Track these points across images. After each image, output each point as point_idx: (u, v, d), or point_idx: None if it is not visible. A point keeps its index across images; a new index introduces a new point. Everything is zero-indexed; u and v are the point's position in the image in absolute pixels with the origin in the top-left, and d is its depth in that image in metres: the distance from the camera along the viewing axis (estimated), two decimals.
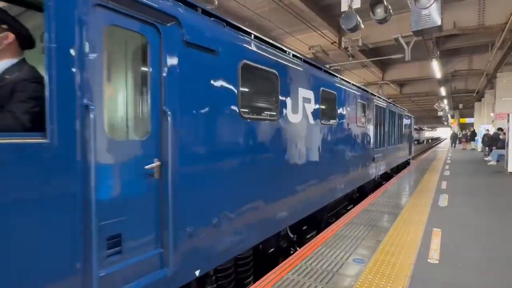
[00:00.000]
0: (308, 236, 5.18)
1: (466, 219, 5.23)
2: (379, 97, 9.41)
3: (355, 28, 6.23)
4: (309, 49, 13.64)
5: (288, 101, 4.06)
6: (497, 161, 14.08)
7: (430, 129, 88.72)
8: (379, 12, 5.72)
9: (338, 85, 5.88)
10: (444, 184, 8.59)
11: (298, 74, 4.34)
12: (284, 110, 3.97)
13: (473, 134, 25.33)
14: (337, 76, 6.05)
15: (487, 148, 17.40)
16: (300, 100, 4.37)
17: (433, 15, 4.67)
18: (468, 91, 23.03)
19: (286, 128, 4.04)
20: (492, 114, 20.09)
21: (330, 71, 5.71)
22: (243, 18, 11.60)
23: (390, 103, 11.17)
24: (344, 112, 6.17)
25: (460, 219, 5.22)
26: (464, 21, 10.47)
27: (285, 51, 4.19)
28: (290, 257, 3.63)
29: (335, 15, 11.70)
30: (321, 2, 10.90)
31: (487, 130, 18.97)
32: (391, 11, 5.82)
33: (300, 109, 4.36)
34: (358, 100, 6.97)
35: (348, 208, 7.23)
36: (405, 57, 9.69)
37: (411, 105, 33.71)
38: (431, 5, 4.59)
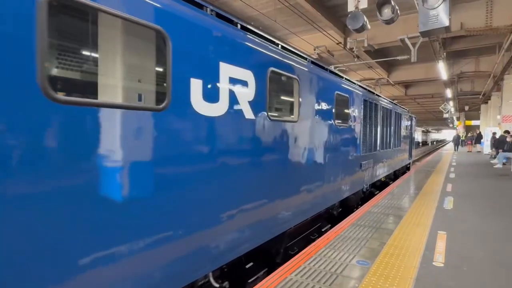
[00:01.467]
0: (250, 280, 3.73)
1: (472, 222, 5.17)
2: (370, 91, 7.92)
3: (361, 29, 6.19)
4: (314, 49, 13.61)
5: (195, 80, 2.58)
6: (503, 163, 13.97)
7: (435, 131, 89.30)
8: (386, 12, 5.68)
9: (302, 67, 4.32)
10: (449, 187, 8.50)
11: (221, 42, 2.90)
12: (184, 93, 2.49)
13: (479, 136, 25.10)
14: (301, 56, 4.51)
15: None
16: (225, 81, 2.92)
17: (441, 15, 4.62)
18: (475, 93, 22.85)
19: (191, 123, 2.56)
20: (498, 117, 19.89)
21: (290, 48, 4.23)
22: (248, 18, 11.61)
23: (387, 99, 9.77)
24: (312, 106, 4.61)
25: (466, 222, 5.16)
26: (472, 22, 10.38)
27: (200, 6, 2.80)
28: (293, 258, 3.61)
29: (340, 15, 11.68)
30: (326, 2, 10.87)
31: (494, 133, 18.80)
32: (398, 11, 5.77)
33: (223, 96, 2.90)
34: (336, 92, 5.41)
35: (324, 229, 5.74)
36: (411, 59, 9.62)
37: (416, 106, 33.51)
38: (439, 5, 4.55)
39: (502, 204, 6.56)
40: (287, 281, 3.04)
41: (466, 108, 31.55)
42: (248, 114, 3.25)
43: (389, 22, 5.88)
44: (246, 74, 3.20)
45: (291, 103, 4.23)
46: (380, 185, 10.15)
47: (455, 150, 26.85)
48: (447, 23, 4.70)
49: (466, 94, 23.25)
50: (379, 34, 12.19)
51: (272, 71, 3.64)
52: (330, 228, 5.63)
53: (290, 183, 4.17)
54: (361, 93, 6.91)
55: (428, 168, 13.22)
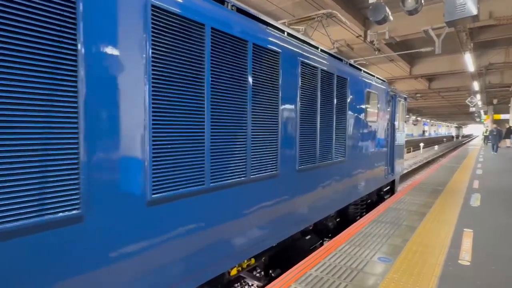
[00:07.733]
0: None
1: (501, 220, 4.95)
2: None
3: (383, 20, 6.00)
4: (333, 43, 13.35)
5: None
6: None
7: (463, 126, 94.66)
8: (410, 2, 5.47)
9: None
10: (476, 183, 8.17)
11: None
12: None
13: (509, 131, 23.86)
14: None
15: None
16: None
17: (469, 4, 4.40)
18: (504, 86, 21.71)
19: None
20: None
21: None
22: (266, 13, 11.53)
23: (294, 37, 3.99)
24: None
25: (494, 219, 4.95)
26: (502, 11, 9.83)
27: None
28: (314, 253, 3.60)
29: (360, 7, 11.38)
30: None
31: None
32: (422, 1, 5.55)
33: None
34: None
35: None
36: (435, 50, 9.24)
37: (440, 100, 32.28)
38: None
39: None
40: (307, 276, 3.04)
41: (495, 101, 30.08)
42: None
43: (412, 12, 5.66)
44: None
45: None
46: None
47: (493, 151, 19.34)
48: (475, 12, 4.47)
49: (495, 86, 22.13)
50: (401, 26, 11.79)
51: None
52: None
53: None
54: None
55: (453, 164, 12.75)
